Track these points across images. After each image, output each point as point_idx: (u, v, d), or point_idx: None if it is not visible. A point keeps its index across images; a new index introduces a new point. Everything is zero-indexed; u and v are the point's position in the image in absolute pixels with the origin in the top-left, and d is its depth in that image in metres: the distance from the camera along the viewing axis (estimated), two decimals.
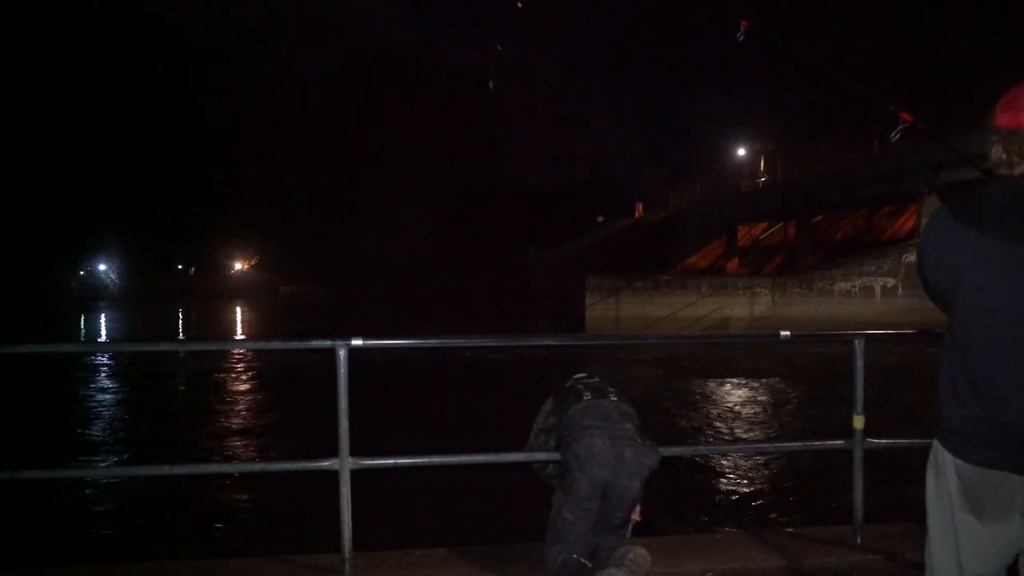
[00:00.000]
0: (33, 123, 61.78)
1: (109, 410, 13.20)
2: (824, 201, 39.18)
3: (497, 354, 17.76)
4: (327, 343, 3.13)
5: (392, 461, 3.31)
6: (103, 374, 17.62)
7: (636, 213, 66.22)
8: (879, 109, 3.03)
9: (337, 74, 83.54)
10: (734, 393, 13.98)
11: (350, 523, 3.12)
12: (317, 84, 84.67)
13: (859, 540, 3.45)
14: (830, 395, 12.57)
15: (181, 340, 28.50)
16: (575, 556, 2.97)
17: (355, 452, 3.11)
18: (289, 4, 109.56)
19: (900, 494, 5.55)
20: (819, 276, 27.40)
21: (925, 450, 1.94)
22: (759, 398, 13.52)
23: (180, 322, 39.21)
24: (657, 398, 12.93)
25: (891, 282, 26.01)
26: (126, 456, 9.86)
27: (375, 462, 3.20)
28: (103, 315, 43.36)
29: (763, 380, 15.07)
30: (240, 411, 12.85)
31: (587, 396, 3.20)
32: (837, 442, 3.55)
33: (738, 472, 8.17)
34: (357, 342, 3.09)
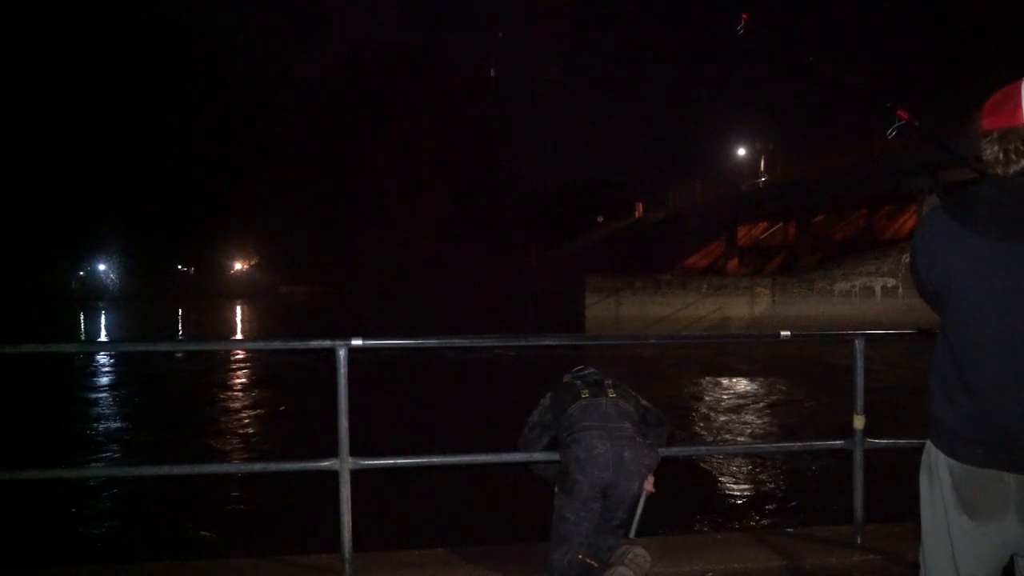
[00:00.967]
0: (33, 123, 61.83)
1: (109, 410, 13.21)
2: (824, 201, 39.23)
3: (496, 354, 17.76)
4: (327, 343, 3.13)
5: (392, 461, 3.31)
6: (103, 374, 17.62)
7: (636, 213, 66.26)
8: (876, 107, 3.02)
9: (337, 74, 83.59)
10: (734, 393, 13.98)
11: (350, 523, 3.12)
12: (317, 84, 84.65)
13: (859, 540, 3.45)
14: (830, 395, 12.57)
15: (181, 340, 28.48)
16: (580, 556, 2.99)
17: (355, 452, 3.11)
18: (290, 4, 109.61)
19: (901, 494, 5.54)
20: (819, 276, 27.38)
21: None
22: (759, 398, 13.51)
23: (180, 322, 39.20)
24: (657, 398, 12.89)
25: (891, 282, 26.00)
26: (126, 456, 9.87)
27: (375, 462, 3.20)
28: (103, 315, 43.34)
29: (763, 380, 15.07)
30: (240, 411, 12.85)
31: (585, 394, 3.19)
32: (837, 442, 3.55)
33: (738, 472, 8.18)
34: (357, 342, 3.08)
